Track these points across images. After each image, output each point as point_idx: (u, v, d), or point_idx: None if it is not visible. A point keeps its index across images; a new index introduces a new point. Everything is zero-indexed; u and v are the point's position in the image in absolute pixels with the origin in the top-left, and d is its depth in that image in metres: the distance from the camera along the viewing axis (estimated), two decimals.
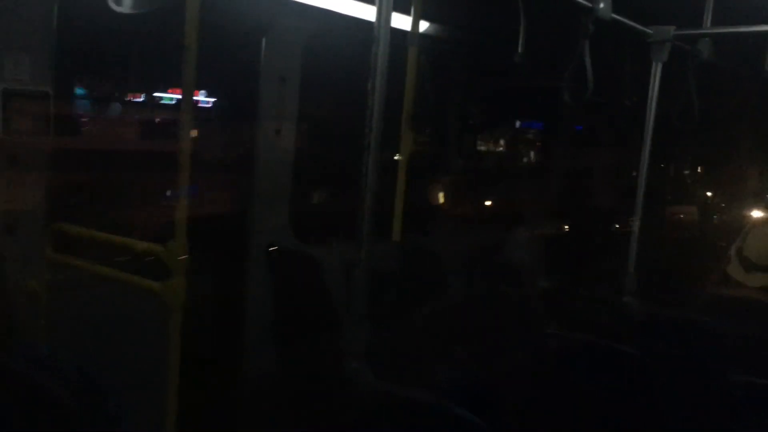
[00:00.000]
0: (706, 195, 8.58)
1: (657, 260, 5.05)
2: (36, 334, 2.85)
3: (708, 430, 2.80)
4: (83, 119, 4.63)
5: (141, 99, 5.59)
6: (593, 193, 7.56)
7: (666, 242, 6.60)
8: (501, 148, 8.51)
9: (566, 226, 6.37)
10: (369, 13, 2.57)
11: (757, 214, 6.59)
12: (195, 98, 2.87)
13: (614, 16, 3.20)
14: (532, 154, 8.74)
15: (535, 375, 3.03)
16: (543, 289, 4.27)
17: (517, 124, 8.65)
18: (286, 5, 4.00)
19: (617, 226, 6.25)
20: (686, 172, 9.36)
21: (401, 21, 3.53)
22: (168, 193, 3.87)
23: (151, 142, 5.13)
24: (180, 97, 2.76)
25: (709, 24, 3.64)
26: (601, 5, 3.10)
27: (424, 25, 4.17)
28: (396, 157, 3.90)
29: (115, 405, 1.61)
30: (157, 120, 5.61)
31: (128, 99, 5.50)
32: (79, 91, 4.59)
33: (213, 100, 5.39)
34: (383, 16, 2.34)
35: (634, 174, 3.95)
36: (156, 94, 5.59)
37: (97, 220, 3.31)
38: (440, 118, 5.86)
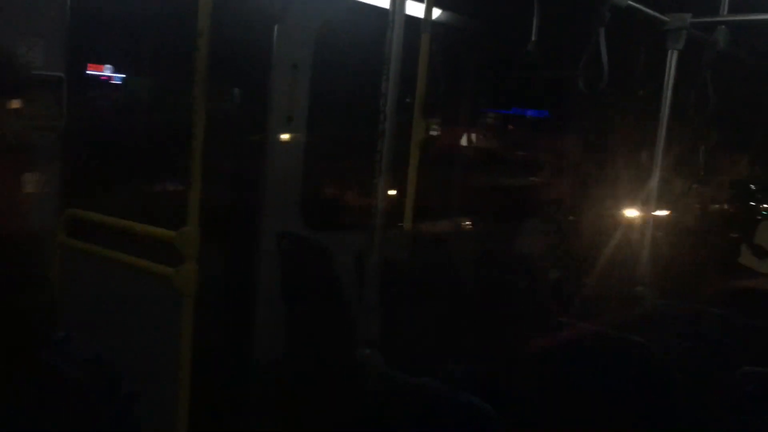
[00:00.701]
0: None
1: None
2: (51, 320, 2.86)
3: (720, 422, 2.78)
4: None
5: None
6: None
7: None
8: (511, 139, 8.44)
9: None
10: None
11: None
12: None
13: (630, 2, 3.17)
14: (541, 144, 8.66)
15: (545, 364, 3.02)
16: (554, 279, 4.26)
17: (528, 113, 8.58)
18: None
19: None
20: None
21: (414, 8, 3.51)
22: None
23: None
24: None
25: (725, 12, 3.59)
26: None
27: (436, 12, 4.14)
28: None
29: (129, 386, 1.64)
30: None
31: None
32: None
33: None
34: (397, 2, 2.33)
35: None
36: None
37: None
38: (451, 106, 5.82)
